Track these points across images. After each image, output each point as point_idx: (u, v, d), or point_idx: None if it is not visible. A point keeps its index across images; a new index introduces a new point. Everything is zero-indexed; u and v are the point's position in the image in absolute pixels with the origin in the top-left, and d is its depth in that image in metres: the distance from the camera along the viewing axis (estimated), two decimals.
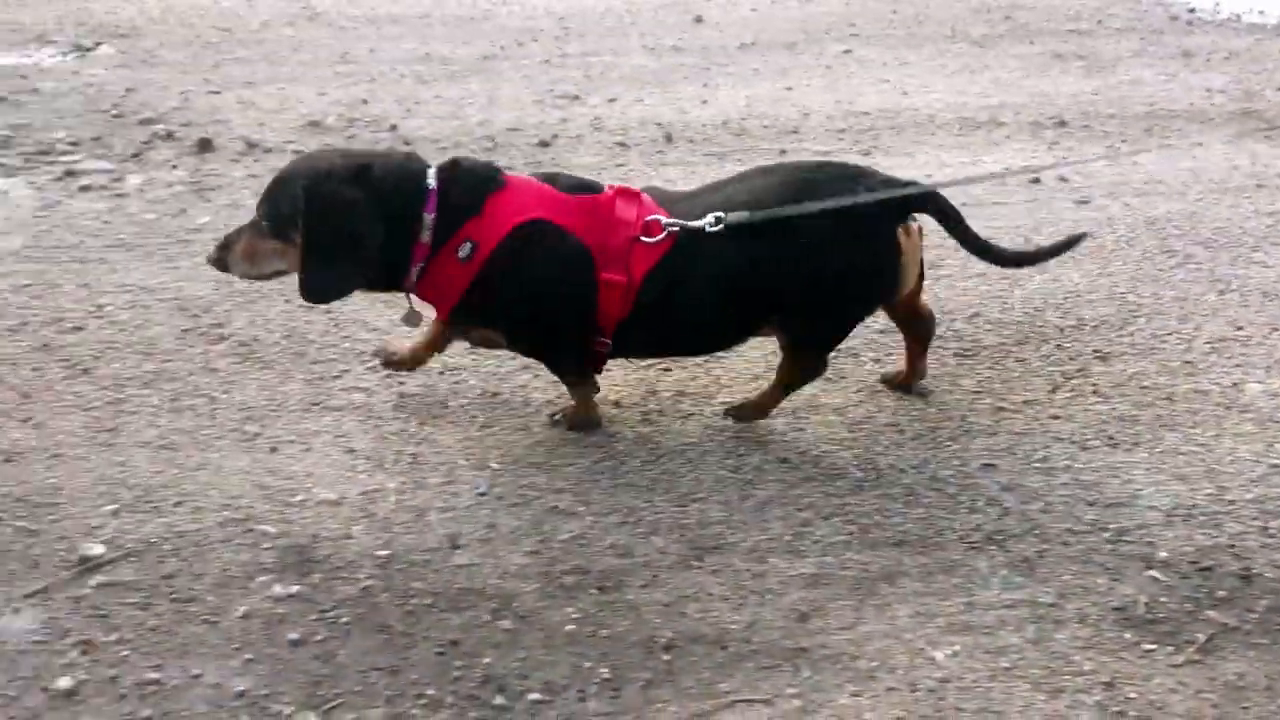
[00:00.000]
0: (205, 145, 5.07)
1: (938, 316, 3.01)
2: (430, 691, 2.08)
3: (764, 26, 7.68)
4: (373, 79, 6.24)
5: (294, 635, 2.19)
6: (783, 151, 5.14)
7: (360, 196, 2.46)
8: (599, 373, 2.76)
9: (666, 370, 3.16)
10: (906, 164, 4.94)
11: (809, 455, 2.77)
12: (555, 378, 2.86)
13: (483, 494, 2.61)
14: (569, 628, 2.23)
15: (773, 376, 2.85)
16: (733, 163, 5.00)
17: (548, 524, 2.52)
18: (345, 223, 2.47)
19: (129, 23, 7.34)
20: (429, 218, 2.51)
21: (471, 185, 2.56)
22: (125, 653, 2.15)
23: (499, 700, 2.06)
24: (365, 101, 5.80)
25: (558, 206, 2.57)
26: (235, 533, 2.48)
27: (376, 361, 2.97)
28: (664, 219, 2.55)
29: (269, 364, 3.15)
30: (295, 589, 2.31)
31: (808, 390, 2.94)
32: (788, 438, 2.84)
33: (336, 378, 3.08)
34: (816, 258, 2.58)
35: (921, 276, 2.78)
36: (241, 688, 2.07)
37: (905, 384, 2.98)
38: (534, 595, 2.31)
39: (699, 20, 7.88)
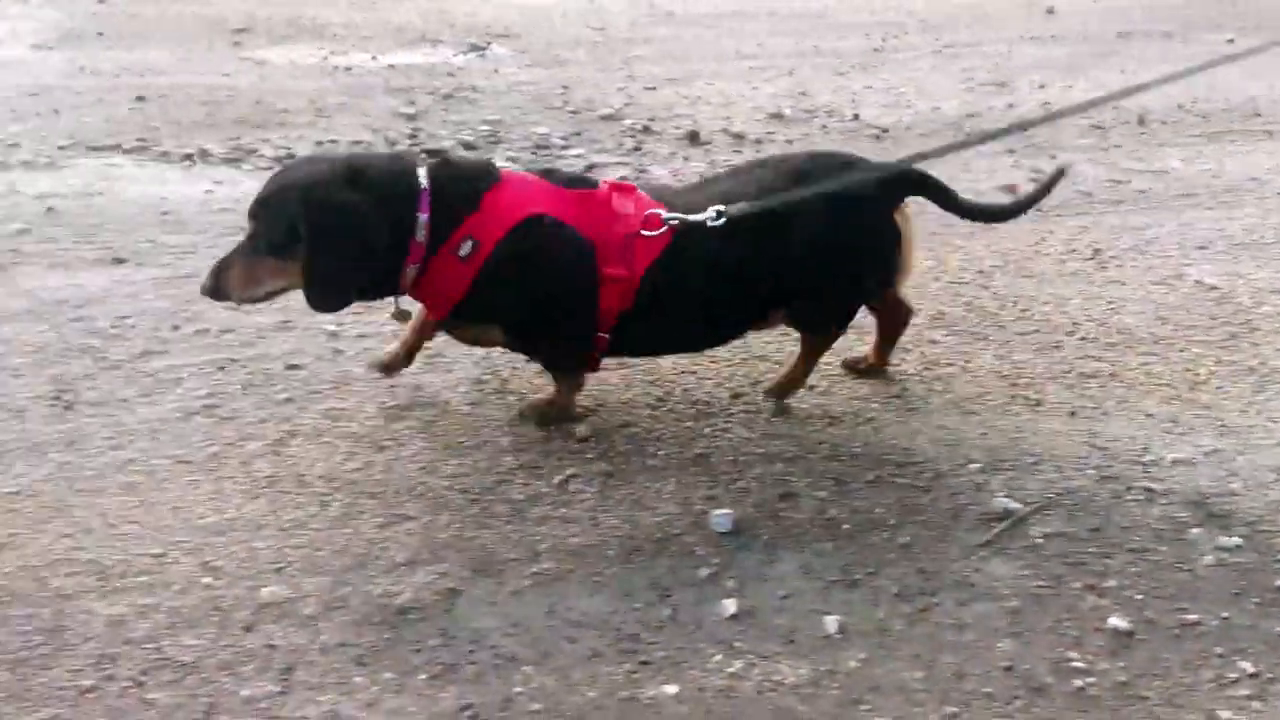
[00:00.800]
0: (694, 138, 5.22)
1: None
2: None
3: (1120, 17, 7.64)
4: (789, 72, 6.35)
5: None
6: (1268, 133, 5.13)
7: (359, 199, 2.38)
8: (595, 371, 2.73)
9: None
10: None
11: None
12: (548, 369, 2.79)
13: None
14: None
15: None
16: (1229, 143, 5.01)
17: None
18: (348, 227, 2.37)
19: (497, 23, 7.59)
20: (423, 217, 2.42)
21: (466, 182, 2.48)
22: (1137, 596, 2.23)
23: None
24: (804, 93, 5.90)
25: (557, 201, 2.50)
26: (1120, 489, 2.56)
27: (375, 374, 2.89)
28: (664, 213, 2.49)
29: (982, 336, 3.25)
30: (1237, 541, 2.38)
31: None
32: None
33: (1056, 347, 3.18)
34: (819, 244, 2.58)
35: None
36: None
37: (871, 368, 2.98)
38: None
39: (1051, 12, 7.87)
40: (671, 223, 2.48)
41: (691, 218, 2.47)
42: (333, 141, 5.08)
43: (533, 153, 5.04)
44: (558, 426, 2.74)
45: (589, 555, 2.34)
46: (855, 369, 3.00)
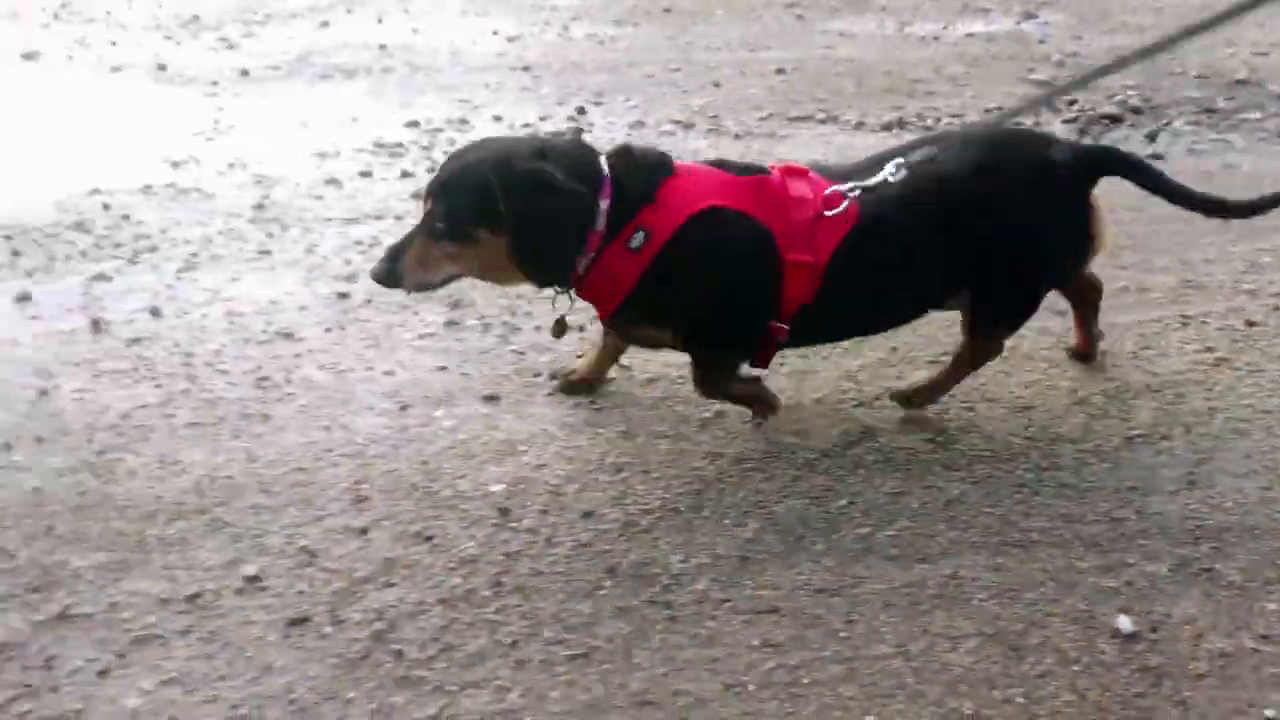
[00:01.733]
0: None
1: None
2: None
3: None
4: None
5: None
6: None
7: (555, 170, 2.30)
8: (766, 366, 2.60)
9: None
10: None
11: None
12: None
13: None
14: None
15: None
16: None
17: None
18: (553, 196, 2.29)
19: None
20: (604, 204, 2.33)
21: (645, 172, 2.40)
22: None
23: None
24: None
25: (733, 190, 2.40)
26: None
27: (555, 385, 2.88)
28: (843, 188, 2.40)
29: None
30: None
31: None
32: None
33: None
34: (1013, 217, 2.46)
35: None
36: None
37: (1087, 352, 2.86)
38: None
39: None
40: (852, 194, 2.41)
41: (871, 181, 2.41)
42: (999, 108, 5.19)
43: (1206, 114, 5.02)
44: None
45: None
46: (1075, 354, 2.92)
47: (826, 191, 2.41)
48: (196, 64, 6.12)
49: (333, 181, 4.38)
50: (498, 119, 5.21)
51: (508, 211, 2.28)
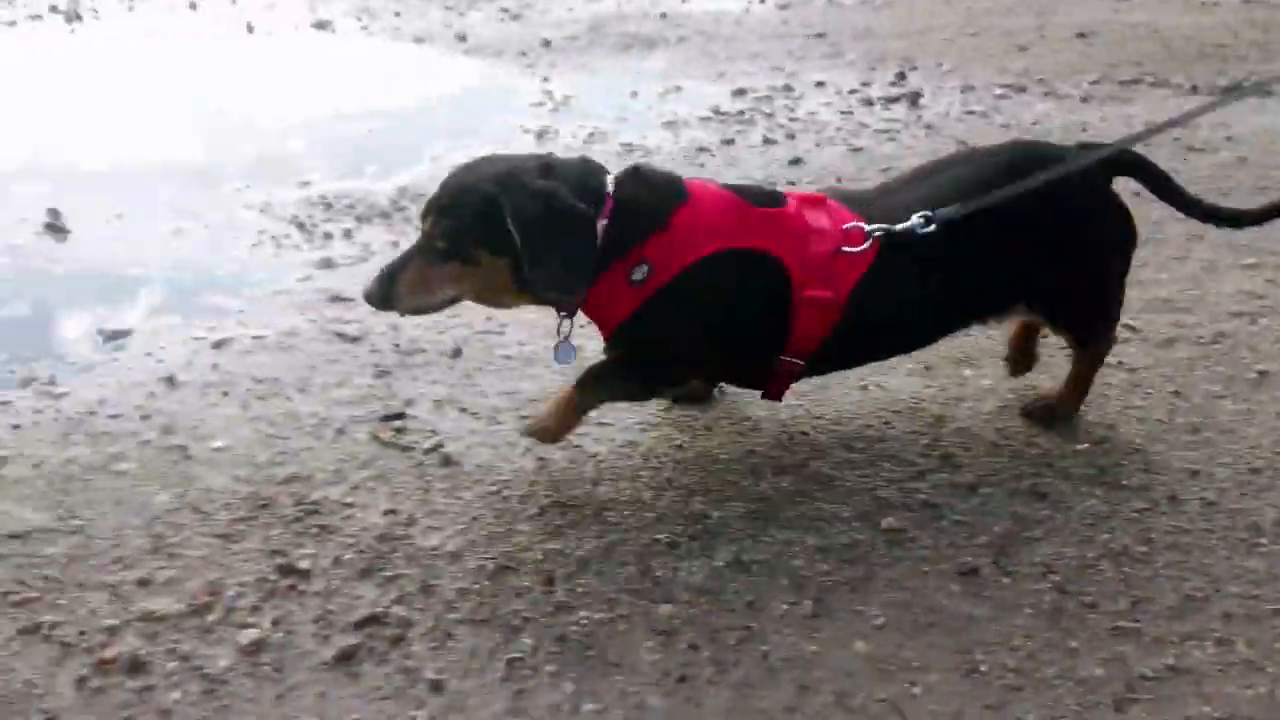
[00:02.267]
0: None
1: None
2: None
3: None
4: None
5: None
6: None
7: (559, 186, 2.19)
8: (779, 399, 2.48)
9: None
10: None
11: None
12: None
13: None
14: None
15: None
16: None
17: None
18: (559, 210, 2.18)
19: None
20: (601, 224, 2.21)
21: (654, 197, 2.27)
22: None
23: None
24: None
25: (747, 223, 2.27)
26: None
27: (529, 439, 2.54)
28: (865, 226, 2.27)
29: None
30: None
31: None
32: None
33: None
34: (1046, 236, 2.38)
35: None
36: None
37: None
38: None
39: None
40: (875, 234, 2.28)
41: (897, 227, 2.28)
42: None
43: None
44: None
45: None
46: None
47: (846, 227, 2.30)
48: (493, 35, 6.20)
49: (704, 149, 4.42)
50: (820, 84, 5.22)
51: (517, 231, 2.17)
